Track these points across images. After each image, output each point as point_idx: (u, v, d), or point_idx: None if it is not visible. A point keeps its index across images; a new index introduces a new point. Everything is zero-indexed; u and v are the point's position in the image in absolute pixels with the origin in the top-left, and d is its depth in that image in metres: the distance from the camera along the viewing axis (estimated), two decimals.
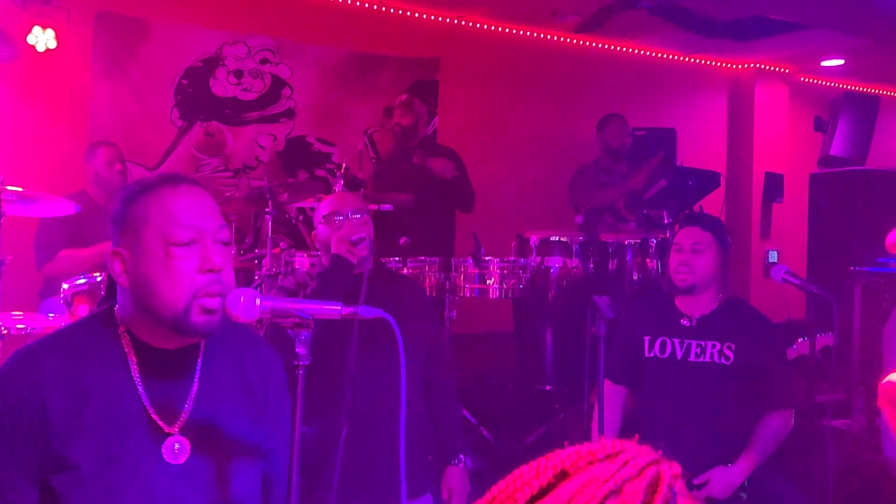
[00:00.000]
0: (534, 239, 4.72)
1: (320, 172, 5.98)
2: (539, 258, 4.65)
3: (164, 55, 5.55)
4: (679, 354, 2.98)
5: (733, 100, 7.66)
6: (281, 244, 4.50)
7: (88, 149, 4.68)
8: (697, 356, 2.94)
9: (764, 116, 7.53)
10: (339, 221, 2.69)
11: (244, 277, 4.53)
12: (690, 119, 7.20)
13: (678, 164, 6.14)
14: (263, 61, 5.84)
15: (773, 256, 7.16)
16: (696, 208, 5.68)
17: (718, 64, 7.50)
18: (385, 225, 4.89)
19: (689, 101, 7.39)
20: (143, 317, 1.47)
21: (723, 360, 2.91)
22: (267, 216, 4.38)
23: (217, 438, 1.50)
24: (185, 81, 5.62)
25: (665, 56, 7.14)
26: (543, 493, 0.68)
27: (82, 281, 3.71)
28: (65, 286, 3.61)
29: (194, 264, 1.45)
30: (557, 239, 4.72)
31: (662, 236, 4.91)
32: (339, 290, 2.56)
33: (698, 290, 2.99)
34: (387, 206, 4.61)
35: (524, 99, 6.55)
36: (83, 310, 3.73)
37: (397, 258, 4.25)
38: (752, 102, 7.51)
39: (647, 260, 4.82)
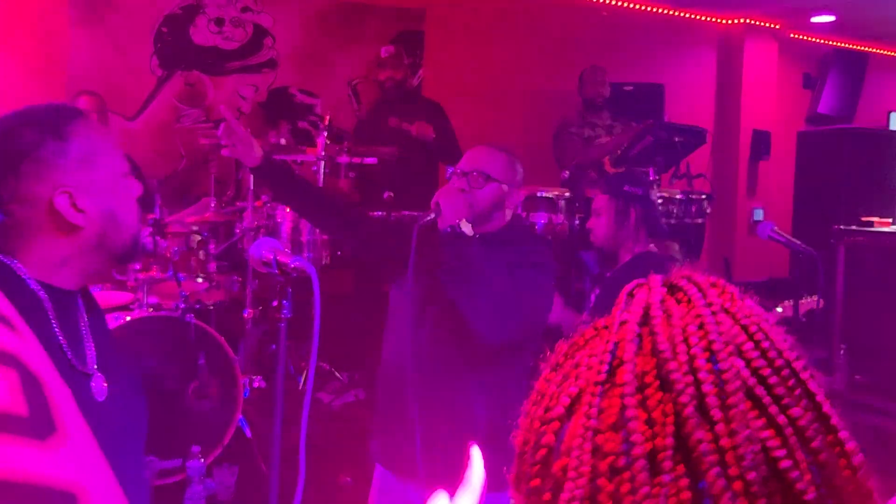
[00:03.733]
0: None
1: (303, 124, 5.89)
2: (525, 213, 4.62)
3: (142, 2, 5.42)
4: (590, 303, 3.28)
5: (722, 56, 7.59)
6: (263, 197, 4.44)
7: (71, 98, 4.59)
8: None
9: (753, 73, 7.46)
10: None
11: (225, 230, 4.48)
12: (679, 75, 7.13)
13: (665, 119, 6.10)
14: (245, 9, 5.71)
15: (758, 214, 7.15)
16: (682, 165, 5.65)
17: (708, 19, 7.42)
18: (369, 179, 4.84)
19: (677, 57, 7.31)
20: (95, 254, 1.44)
21: (589, 304, 3.19)
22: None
23: (116, 370, 1.51)
24: (164, 29, 5.50)
25: (655, 10, 7.05)
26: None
27: None
28: None
29: (132, 192, 1.50)
30: (543, 195, 4.68)
31: None
32: None
33: (609, 248, 3.18)
34: (371, 160, 4.55)
35: (511, 51, 6.46)
36: None
37: (381, 212, 4.21)
38: (742, 58, 7.44)
39: None
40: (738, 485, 0.53)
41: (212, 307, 4.33)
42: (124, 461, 1.47)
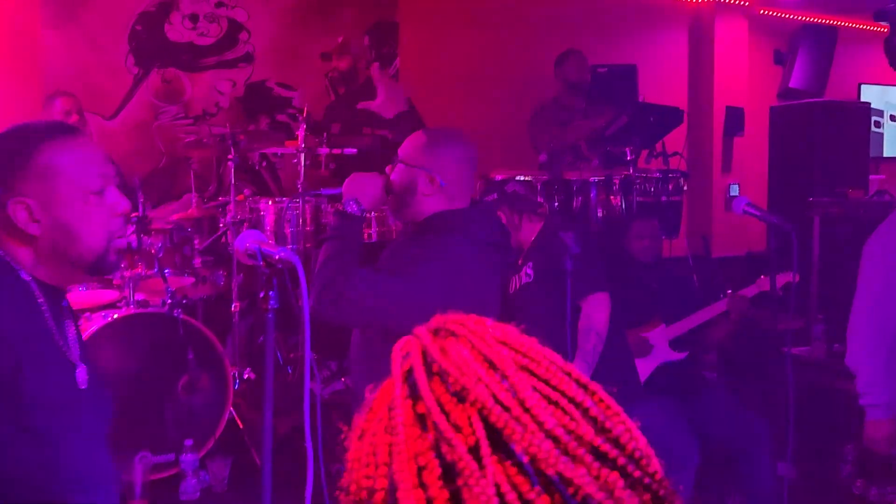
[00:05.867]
0: (498, 179, 4.73)
1: (281, 117, 5.91)
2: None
3: (115, 0, 5.42)
4: (517, 284, 3.44)
5: (694, 34, 7.65)
6: (245, 191, 4.47)
7: (46, 99, 4.60)
8: (519, 282, 3.42)
9: (724, 50, 7.54)
10: None
11: (208, 225, 4.51)
12: (652, 55, 7.19)
13: (640, 99, 6.16)
14: (219, 4, 5.72)
15: (734, 190, 7.24)
16: (658, 145, 5.72)
17: None
18: (349, 169, 4.88)
19: (650, 37, 7.37)
20: (55, 261, 1.54)
21: (526, 279, 3.35)
22: (230, 163, 4.35)
23: (89, 362, 1.66)
24: (138, 27, 5.49)
25: None
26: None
27: None
28: None
29: (107, 210, 1.56)
30: (522, 178, 4.73)
31: (626, 173, 4.95)
32: None
33: (515, 246, 3.45)
34: (350, 150, 4.59)
35: (484, 37, 6.49)
36: None
37: None
38: (713, 36, 7.50)
39: (612, 196, 4.86)
40: (553, 451, 0.63)
41: (199, 302, 4.37)
42: (100, 445, 1.64)
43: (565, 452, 0.63)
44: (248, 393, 4.31)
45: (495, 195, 3.45)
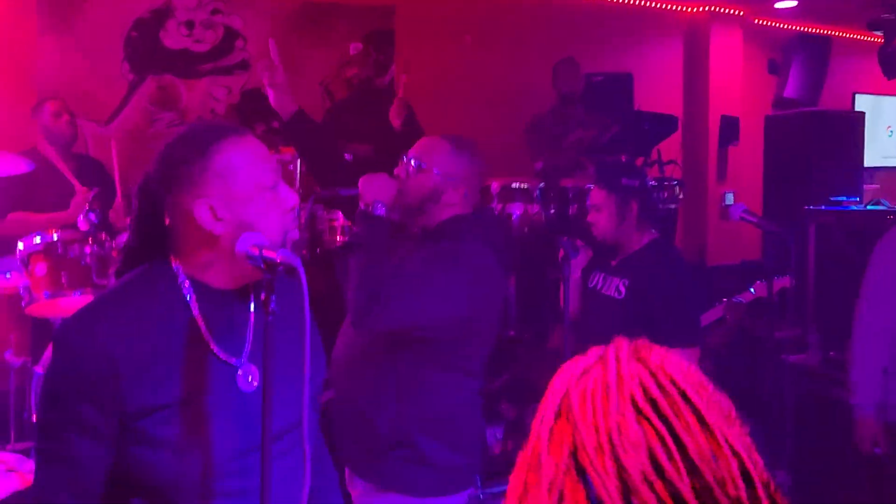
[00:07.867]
0: (494, 186, 4.73)
1: (277, 124, 5.90)
2: (500, 205, 4.67)
3: (111, 7, 5.41)
4: (599, 286, 3.20)
5: (689, 43, 7.67)
6: None
7: (34, 106, 4.59)
8: (606, 289, 3.17)
9: (719, 60, 7.56)
10: None
11: None
12: (647, 64, 7.20)
13: (635, 108, 6.17)
14: (215, 11, 5.72)
15: (729, 199, 7.24)
16: (653, 152, 5.74)
17: (674, 7, 7.50)
18: (345, 175, 4.87)
19: (645, 46, 7.39)
20: (234, 260, 1.52)
21: (615, 294, 3.09)
22: None
23: (279, 363, 1.55)
24: (134, 34, 5.49)
25: (621, 1, 7.12)
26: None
27: (38, 240, 3.66)
28: (20, 246, 3.56)
29: (281, 204, 1.58)
30: (518, 186, 4.73)
31: None
32: None
33: (612, 241, 3.17)
34: (346, 156, 4.58)
35: (481, 46, 6.50)
36: (41, 269, 3.68)
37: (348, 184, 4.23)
38: (708, 46, 7.53)
39: None
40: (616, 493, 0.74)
41: None
42: (269, 451, 1.54)
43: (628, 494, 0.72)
44: None
45: (636, 183, 3.17)
